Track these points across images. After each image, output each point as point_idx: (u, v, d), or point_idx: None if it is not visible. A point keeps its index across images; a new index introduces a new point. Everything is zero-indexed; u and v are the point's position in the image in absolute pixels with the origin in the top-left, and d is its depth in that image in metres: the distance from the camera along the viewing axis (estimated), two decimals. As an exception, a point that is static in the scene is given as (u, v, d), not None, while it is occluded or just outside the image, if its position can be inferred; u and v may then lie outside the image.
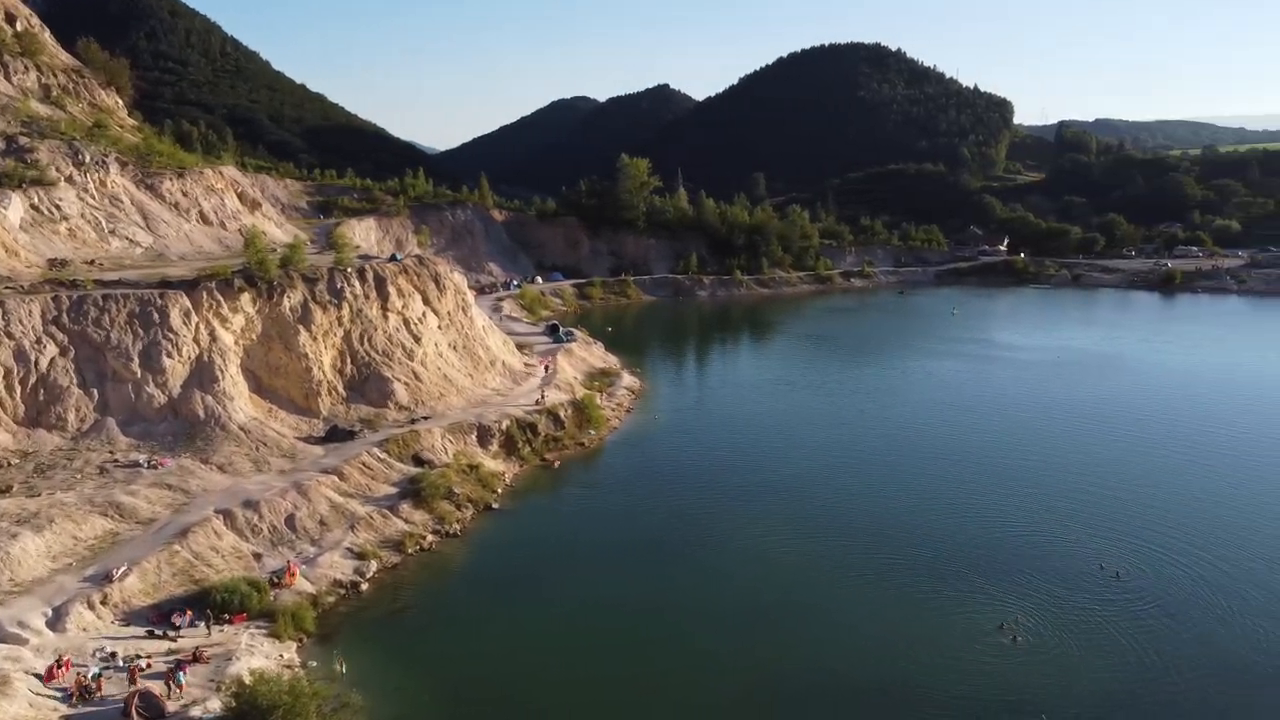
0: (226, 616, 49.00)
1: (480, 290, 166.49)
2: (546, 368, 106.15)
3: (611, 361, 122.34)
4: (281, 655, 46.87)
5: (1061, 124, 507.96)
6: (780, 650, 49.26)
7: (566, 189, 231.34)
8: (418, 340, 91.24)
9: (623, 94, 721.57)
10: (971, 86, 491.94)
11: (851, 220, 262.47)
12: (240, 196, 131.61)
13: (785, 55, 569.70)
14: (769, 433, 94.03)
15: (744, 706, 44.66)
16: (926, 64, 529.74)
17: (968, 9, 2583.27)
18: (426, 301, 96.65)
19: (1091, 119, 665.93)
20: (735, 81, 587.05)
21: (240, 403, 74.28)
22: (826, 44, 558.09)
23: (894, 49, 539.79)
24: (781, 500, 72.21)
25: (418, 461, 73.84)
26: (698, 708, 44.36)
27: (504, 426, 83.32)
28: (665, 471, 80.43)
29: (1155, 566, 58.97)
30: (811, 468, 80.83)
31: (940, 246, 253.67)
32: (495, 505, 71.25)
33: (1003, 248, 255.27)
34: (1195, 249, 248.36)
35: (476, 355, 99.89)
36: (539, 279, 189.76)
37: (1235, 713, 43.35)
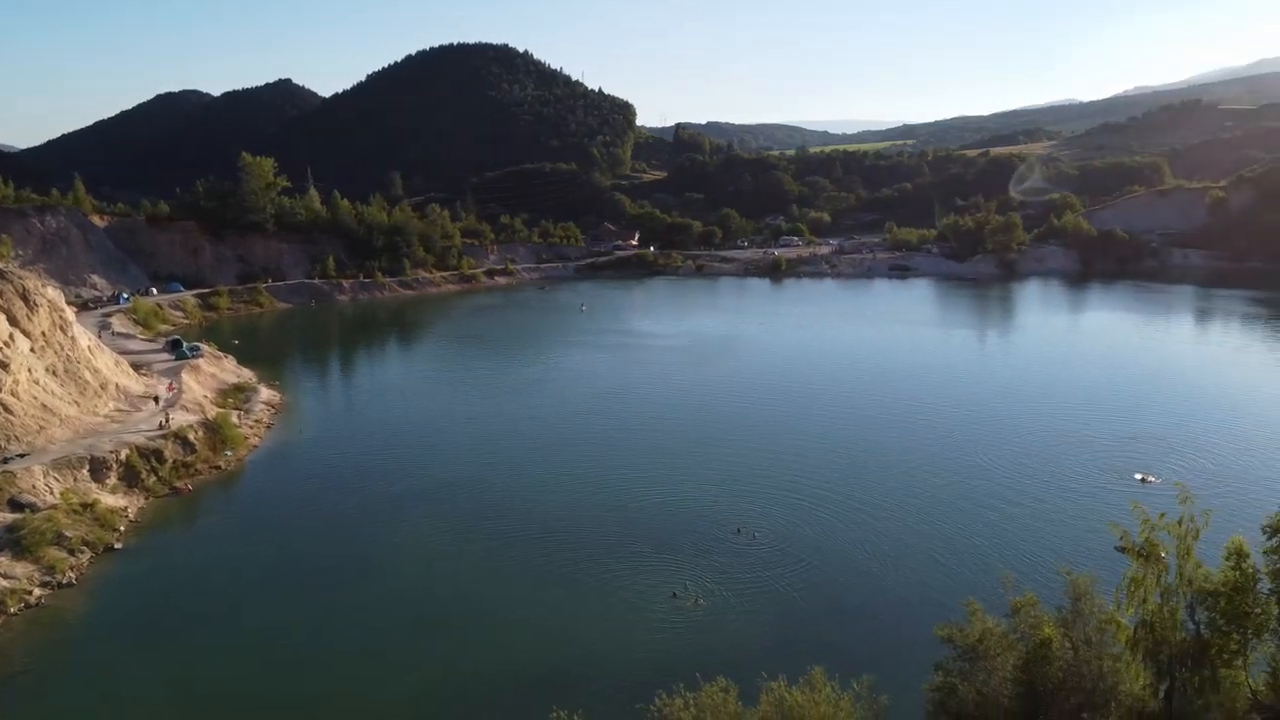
0: None
1: (83, 306, 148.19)
2: (170, 387, 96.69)
3: (246, 375, 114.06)
4: None
5: (679, 126, 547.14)
6: (454, 654, 48.75)
7: (182, 190, 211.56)
8: (4, 367, 79.07)
9: (240, 88, 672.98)
10: (597, 89, 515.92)
11: (492, 219, 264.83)
12: None
13: (414, 53, 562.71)
14: (424, 435, 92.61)
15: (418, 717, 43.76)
16: (554, 66, 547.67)
17: (588, 16, 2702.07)
18: (14, 322, 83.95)
19: (704, 121, 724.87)
20: (364, 78, 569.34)
21: None
22: (456, 43, 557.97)
23: (522, 50, 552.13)
24: (442, 503, 71.40)
25: (15, 506, 64.11)
26: (366, 728, 42.79)
27: (123, 456, 74.70)
28: (316, 486, 76.45)
29: (790, 524, 65.73)
30: (468, 468, 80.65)
31: (578, 243, 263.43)
32: (118, 545, 63.68)
33: (634, 242, 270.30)
34: (796, 239, 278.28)
35: (83, 380, 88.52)
36: (154, 290, 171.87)
37: (873, 645, 49.33)
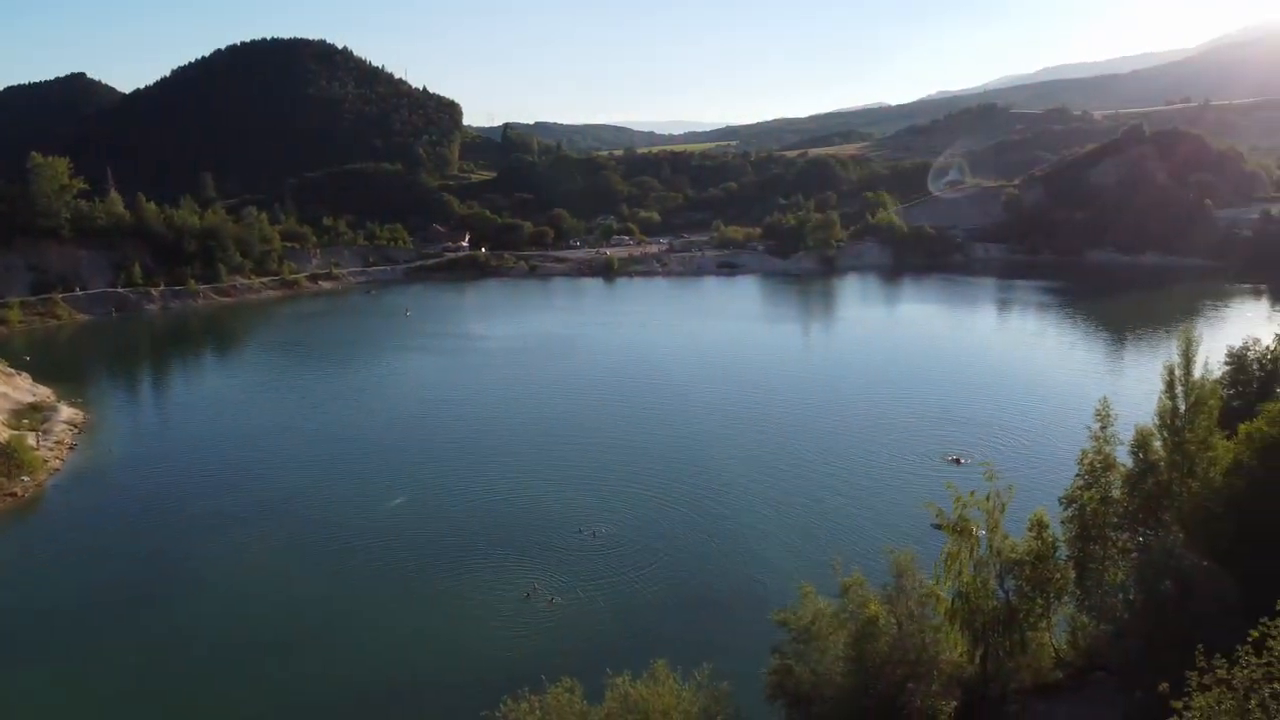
0: None
1: None
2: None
3: (43, 394, 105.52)
4: None
5: (506, 126, 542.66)
6: (293, 672, 47.02)
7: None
8: None
9: (25, 82, 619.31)
10: (421, 88, 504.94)
11: (314, 221, 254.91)
12: None
13: (224, 48, 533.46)
14: (249, 448, 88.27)
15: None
16: (376, 64, 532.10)
17: (410, 13, 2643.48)
18: None
19: (532, 122, 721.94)
20: (169, 73, 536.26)
21: None
22: (269, 38, 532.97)
23: (341, 47, 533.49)
24: (274, 517, 68.39)
25: None
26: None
27: (-102, 488, 67.61)
28: (130, 508, 71.59)
29: (635, 519, 66.42)
30: (301, 479, 77.47)
31: (406, 245, 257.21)
32: (-105, 587, 57.59)
33: (465, 243, 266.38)
34: (627, 238, 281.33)
35: None
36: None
37: (716, 633, 50.26)
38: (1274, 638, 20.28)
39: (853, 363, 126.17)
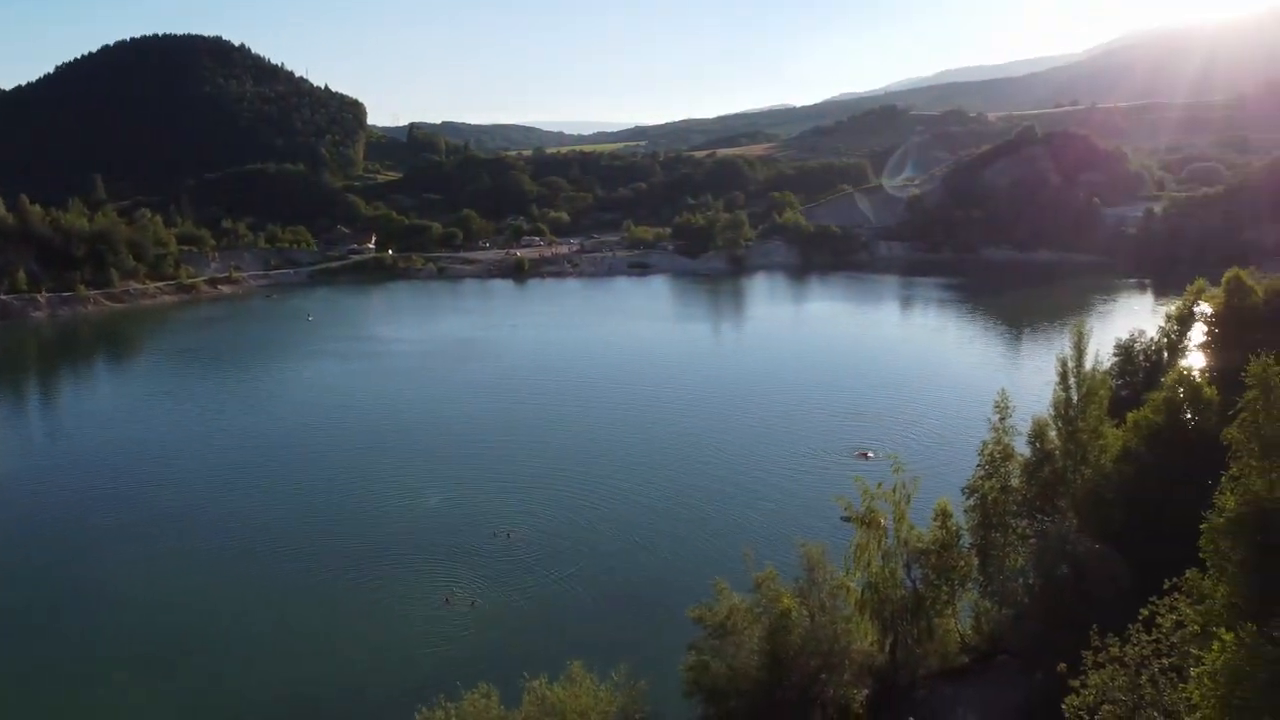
0: None
1: None
2: None
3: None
4: None
5: (413, 125, 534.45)
6: (202, 685, 45.83)
7: None
8: None
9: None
10: (323, 86, 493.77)
11: (213, 224, 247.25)
12: None
13: (113, 44, 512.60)
14: (144, 459, 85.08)
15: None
16: (274, 61, 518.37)
17: (309, 11, 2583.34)
18: None
19: (439, 121, 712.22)
20: (52, 70, 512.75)
21: None
22: (161, 34, 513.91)
23: (237, 44, 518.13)
24: (174, 530, 66.03)
25: None
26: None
27: None
28: (17, 525, 68.15)
29: (552, 520, 66.17)
30: (203, 490, 75.02)
31: (310, 247, 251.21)
32: None
33: (371, 245, 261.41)
34: (537, 239, 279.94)
35: None
36: None
37: (634, 632, 50.31)
38: (1162, 615, 21.29)
39: (763, 361, 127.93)
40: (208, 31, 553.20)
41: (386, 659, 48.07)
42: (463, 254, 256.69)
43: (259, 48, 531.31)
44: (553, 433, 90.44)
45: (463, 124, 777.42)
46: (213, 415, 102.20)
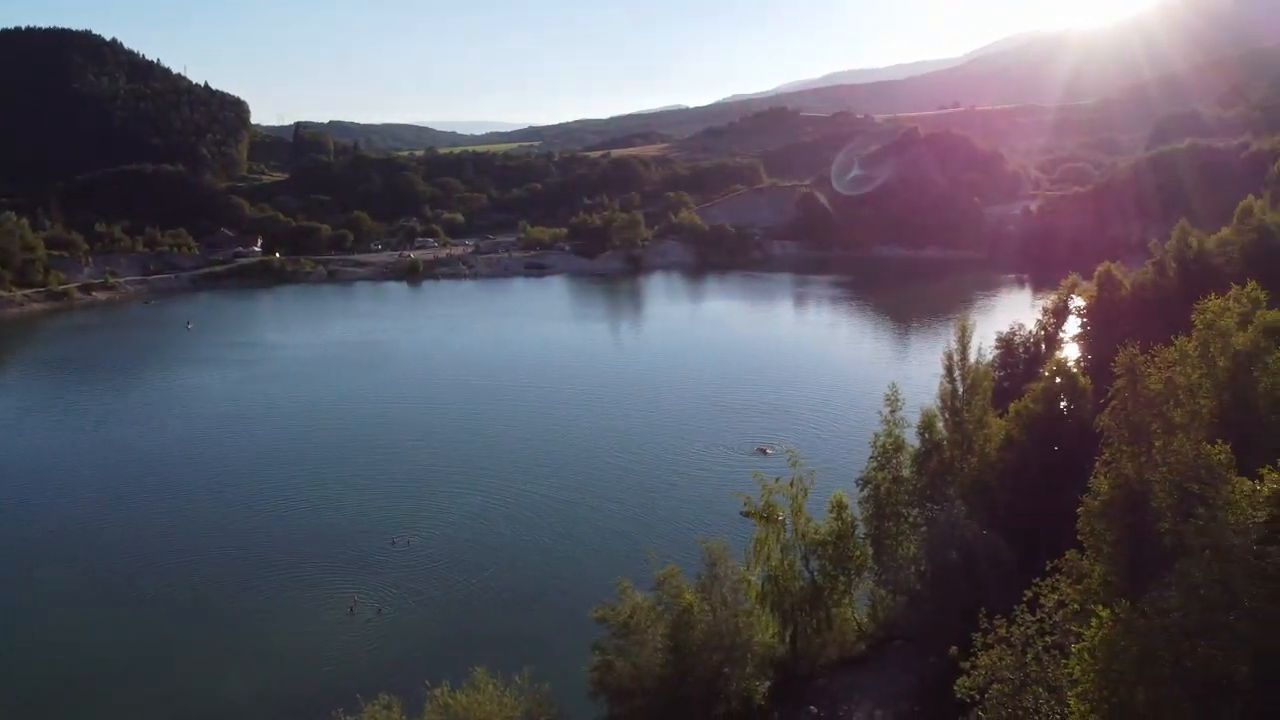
0: None
1: None
2: None
3: None
4: None
5: (299, 125, 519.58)
6: (105, 714, 43.20)
7: None
8: None
9: None
10: (203, 84, 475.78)
11: (86, 227, 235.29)
12: None
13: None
14: (17, 477, 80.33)
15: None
16: (150, 57, 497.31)
17: (186, 6, 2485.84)
18: None
19: (326, 120, 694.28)
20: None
21: None
22: (24, 27, 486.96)
23: (110, 39, 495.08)
24: (54, 554, 62.49)
25: None
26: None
27: None
28: None
29: (453, 525, 65.31)
30: (81, 508, 71.23)
31: (192, 251, 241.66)
32: None
33: (257, 248, 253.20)
34: (431, 240, 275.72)
35: None
36: None
37: (539, 635, 49.91)
38: (1045, 595, 22.27)
39: (663, 360, 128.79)
40: (77, 25, 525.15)
41: (289, 674, 46.66)
42: (354, 256, 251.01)
43: (133, 43, 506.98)
44: (451, 436, 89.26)
45: (351, 123, 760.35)
46: (91, 428, 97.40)
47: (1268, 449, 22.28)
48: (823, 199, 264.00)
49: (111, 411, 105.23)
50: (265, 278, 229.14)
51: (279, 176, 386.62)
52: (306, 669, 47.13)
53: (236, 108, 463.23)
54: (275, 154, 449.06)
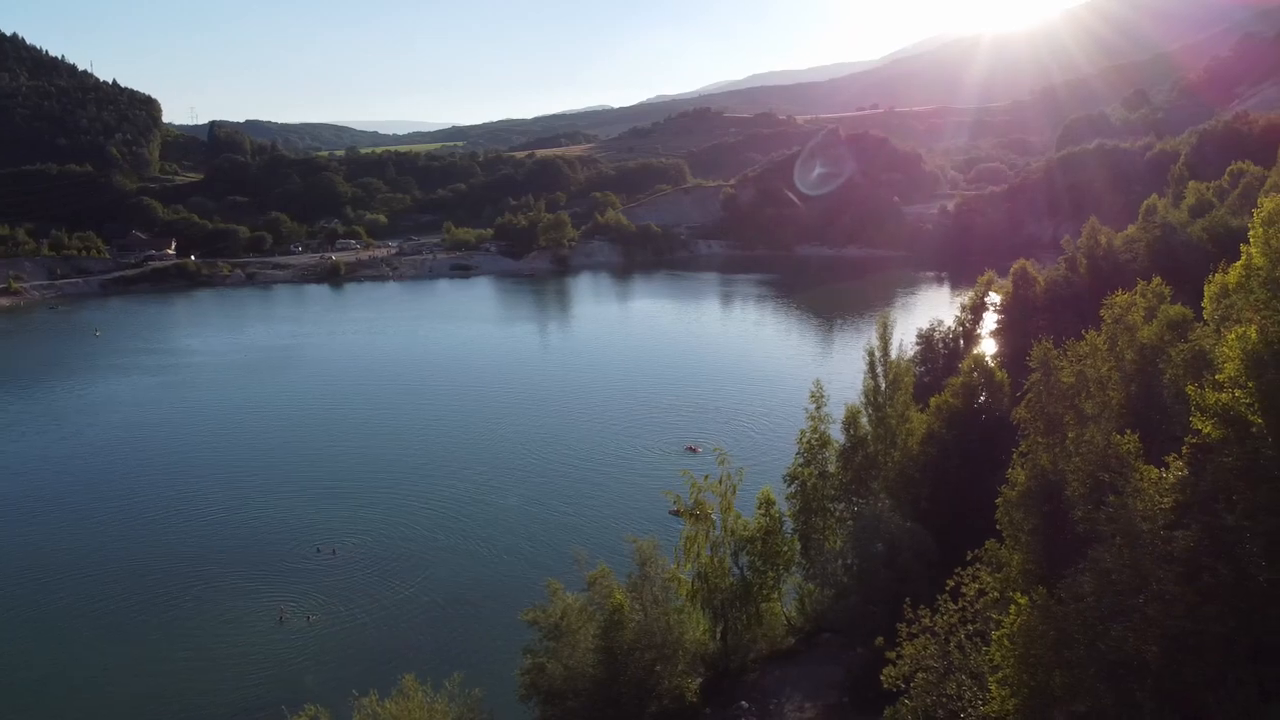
0: None
1: None
2: None
3: None
4: None
5: (213, 124, 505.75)
6: None
7: None
8: None
9: None
10: (111, 81, 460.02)
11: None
12: None
13: None
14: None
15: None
16: (54, 54, 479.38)
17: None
18: None
19: (243, 120, 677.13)
20: None
21: None
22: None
23: (9, 34, 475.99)
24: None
25: None
26: None
27: None
28: None
29: (380, 531, 64.19)
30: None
31: (101, 254, 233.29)
32: None
33: (171, 251, 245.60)
34: (354, 241, 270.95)
35: None
36: None
37: (470, 640, 49.46)
38: (966, 585, 22.83)
39: (590, 359, 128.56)
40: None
41: (218, 686, 45.60)
42: (274, 259, 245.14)
43: (35, 39, 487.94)
44: (375, 441, 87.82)
45: (268, 123, 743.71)
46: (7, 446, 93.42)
47: (1173, 437, 23.17)
48: (745, 198, 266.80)
49: (14, 421, 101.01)
50: (180, 281, 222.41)
51: (193, 177, 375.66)
52: (236, 680, 46.11)
53: (147, 106, 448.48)
54: (189, 154, 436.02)
